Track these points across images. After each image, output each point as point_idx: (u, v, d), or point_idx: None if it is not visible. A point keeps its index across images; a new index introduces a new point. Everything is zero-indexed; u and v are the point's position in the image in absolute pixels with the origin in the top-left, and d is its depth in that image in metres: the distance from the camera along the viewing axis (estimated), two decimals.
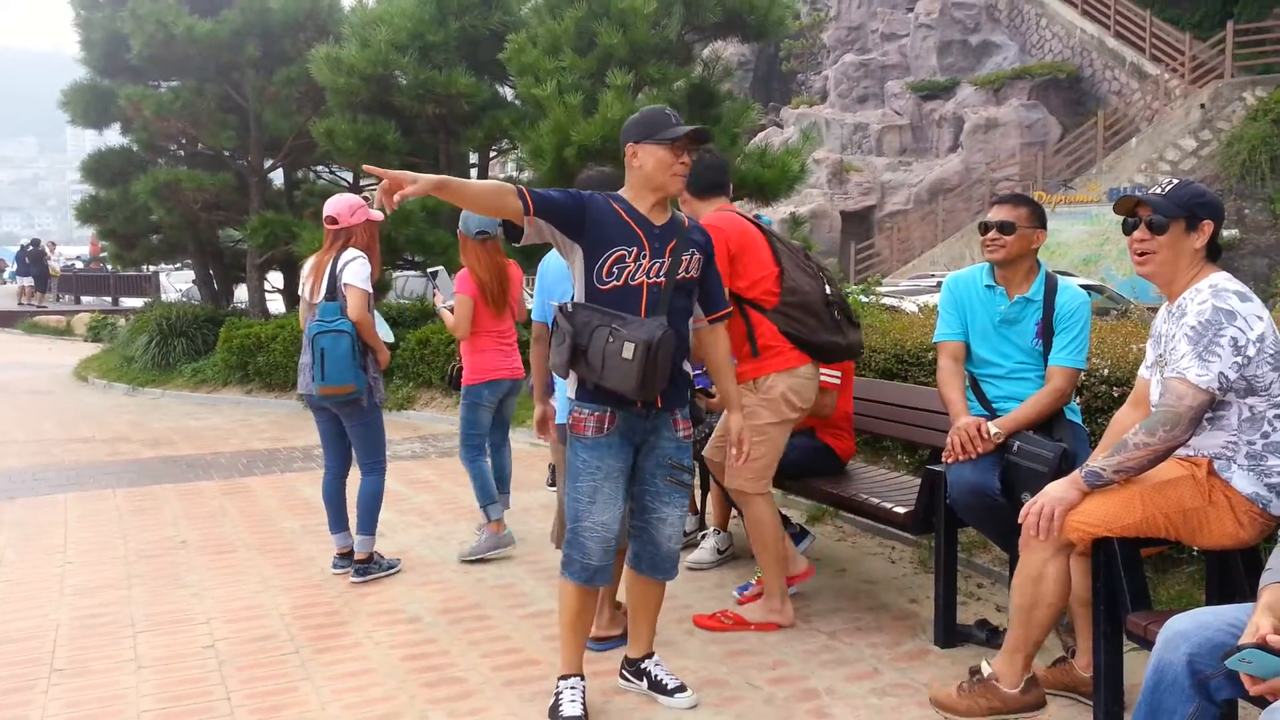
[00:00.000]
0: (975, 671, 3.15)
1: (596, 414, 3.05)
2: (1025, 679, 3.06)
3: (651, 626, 3.39)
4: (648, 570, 3.26)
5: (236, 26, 11.31)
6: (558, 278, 3.80)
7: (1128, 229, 2.91)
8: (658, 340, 2.89)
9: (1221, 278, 2.77)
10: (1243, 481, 2.74)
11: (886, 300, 8.34)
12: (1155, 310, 3.40)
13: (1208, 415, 2.75)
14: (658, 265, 3.05)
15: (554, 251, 4.10)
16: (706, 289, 3.24)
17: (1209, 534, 2.78)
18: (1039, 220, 3.65)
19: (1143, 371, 3.06)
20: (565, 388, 3.22)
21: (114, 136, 14.14)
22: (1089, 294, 3.92)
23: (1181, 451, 2.80)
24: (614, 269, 3.01)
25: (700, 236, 3.21)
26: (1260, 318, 2.69)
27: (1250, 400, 2.72)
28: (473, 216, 4.83)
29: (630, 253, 3.02)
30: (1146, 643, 2.55)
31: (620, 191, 3.16)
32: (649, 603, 3.35)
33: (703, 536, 4.90)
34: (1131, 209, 2.90)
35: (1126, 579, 2.77)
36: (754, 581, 4.27)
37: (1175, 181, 2.91)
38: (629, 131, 3.12)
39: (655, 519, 3.19)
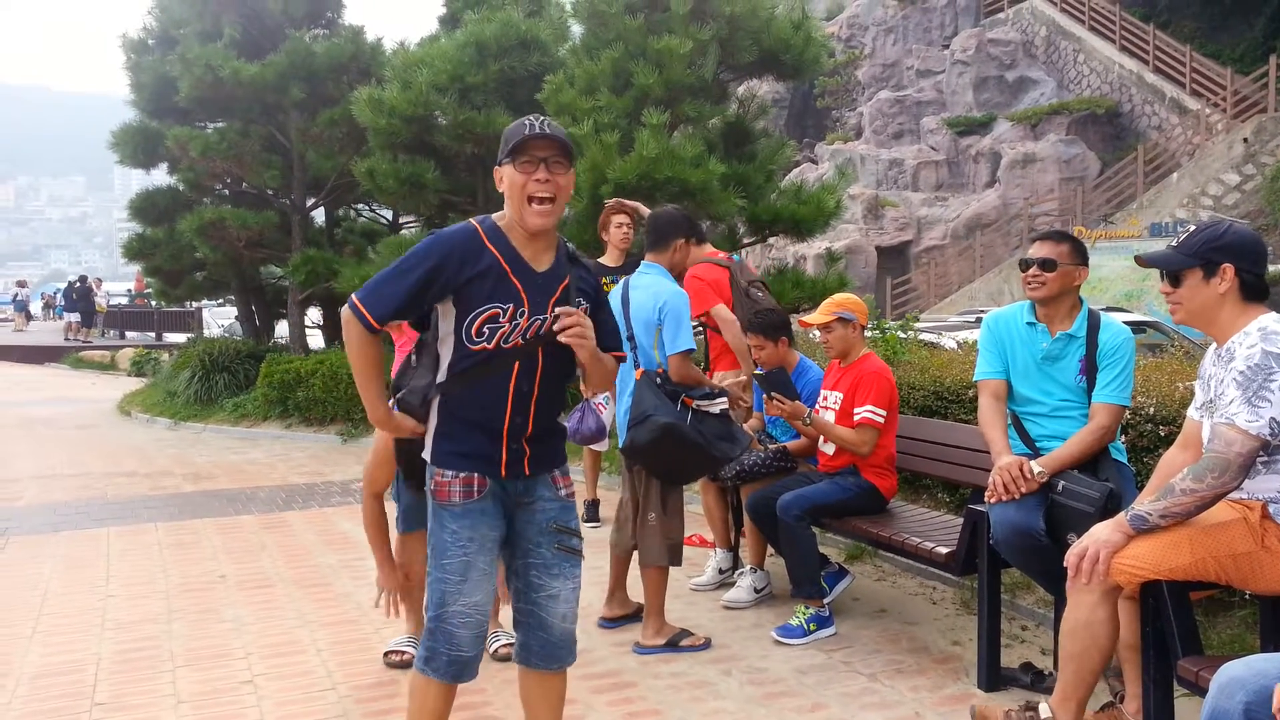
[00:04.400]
0: (1030, 708, 3.06)
1: (463, 475, 2.59)
2: None
3: None
4: (539, 661, 2.70)
5: (282, 69, 11.57)
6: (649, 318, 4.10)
7: (1161, 278, 2.92)
8: None
9: (1271, 319, 2.72)
10: None
11: (925, 336, 8.27)
12: (1200, 345, 3.34)
13: (1263, 459, 2.69)
14: (537, 323, 2.59)
15: (643, 277, 4.18)
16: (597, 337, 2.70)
17: (1262, 579, 2.70)
18: (1080, 257, 3.62)
19: (1191, 413, 3.00)
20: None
21: (161, 176, 14.51)
22: (1143, 330, 3.90)
23: (1234, 494, 2.74)
24: (484, 328, 2.56)
25: (589, 278, 2.72)
26: None
27: None
28: None
29: (505, 310, 2.55)
30: (1198, 689, 2.49)
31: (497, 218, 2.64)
32: (550, 699, 2.76)
33: (739, 575, 4.86)
34: (1146, 266, 2.89)
35: (1176, 623, 2.70)
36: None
37: (1190, 229, 2.87)
38: (499, 156, 2.62)
39: (545, 597, 2.67)
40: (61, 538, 6.26)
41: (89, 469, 8.92)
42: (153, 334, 26.38)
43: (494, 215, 2.64)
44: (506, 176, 2.57)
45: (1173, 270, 2.81)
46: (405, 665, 3.88)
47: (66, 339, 26.29)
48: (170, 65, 11.93)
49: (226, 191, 13.97)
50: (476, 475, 2.60)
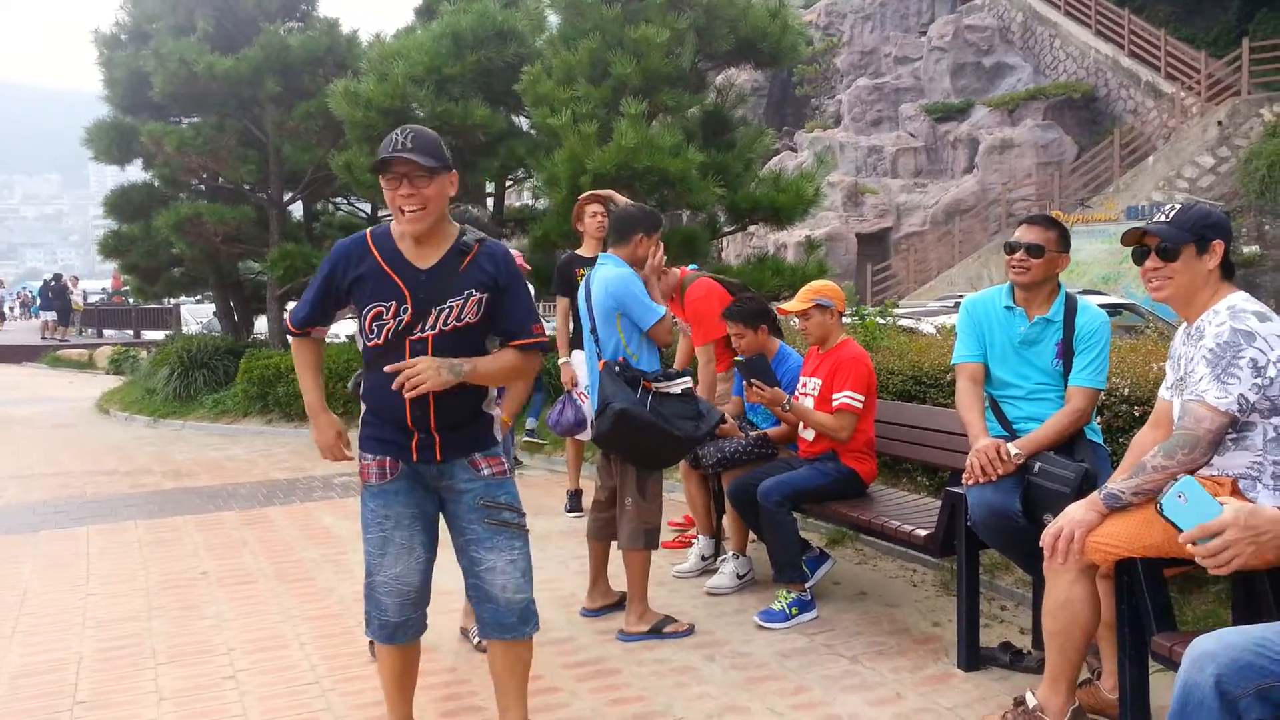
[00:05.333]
0: (1020, 702, 3.09)
1: (378, 459, 2.83)
2: (1071, 709, 3.01)
3: (521, 697, 2.97)
4: (493, 632, 2.89)
5: (257, 63, 11.48)
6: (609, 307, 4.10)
7: (1138, 258, 2.90)
8: None
9: (1239, 298, 2.75)
10: (1268, 501, 2.70)
11: (904, 322, 8.31)
12: (1175, 326, 3.38)
13: (1231, 435, 2.73)
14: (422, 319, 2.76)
15: (604, 270, 4.17)
16: (500, 325, 2.88)
17: None
18: (1066, 245, 3.65)
19: (1163, 392, 3.04)
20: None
21: (136, 172, 14.36)
22: (1119, 313, 3.93)
23: (1205, 471, 2.77)
24: (373, 326, 2.77)
25: (489, 267, 2.83)
26: None
27: (1275, 420, 2.68)
28: None
29: (388, 308, 2.75)
30: (1172, 664, 2.52)
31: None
32: (514, 668, 2.94)
33: (721, 561, 4.89)
34: (1138, 240, 2.89)
35: (1151, 600, 2.74)
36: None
37: (1179, 205, 2.88)
38: None
39: (484, 570, 2.85)
40: (41, 537, 6.22)
41: (68, 468, 8.85)
42: (130, 331, 26.18)
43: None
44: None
45: (1172, 244, 2.81)
46: None
47: (43, 338, 26.07)
48: (144, 60, 11.82)
49: (203, 187, 13.86)
50: (389, 459, 2.83)
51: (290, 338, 2.98)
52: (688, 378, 4.15)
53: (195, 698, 3.64)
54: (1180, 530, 2.16)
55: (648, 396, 3.98)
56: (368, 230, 2.86)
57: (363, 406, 2.90)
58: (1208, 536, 2.13)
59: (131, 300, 24.03)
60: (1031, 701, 3.04)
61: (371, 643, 3.93)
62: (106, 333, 27.23)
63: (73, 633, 4.39)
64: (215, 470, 8.54)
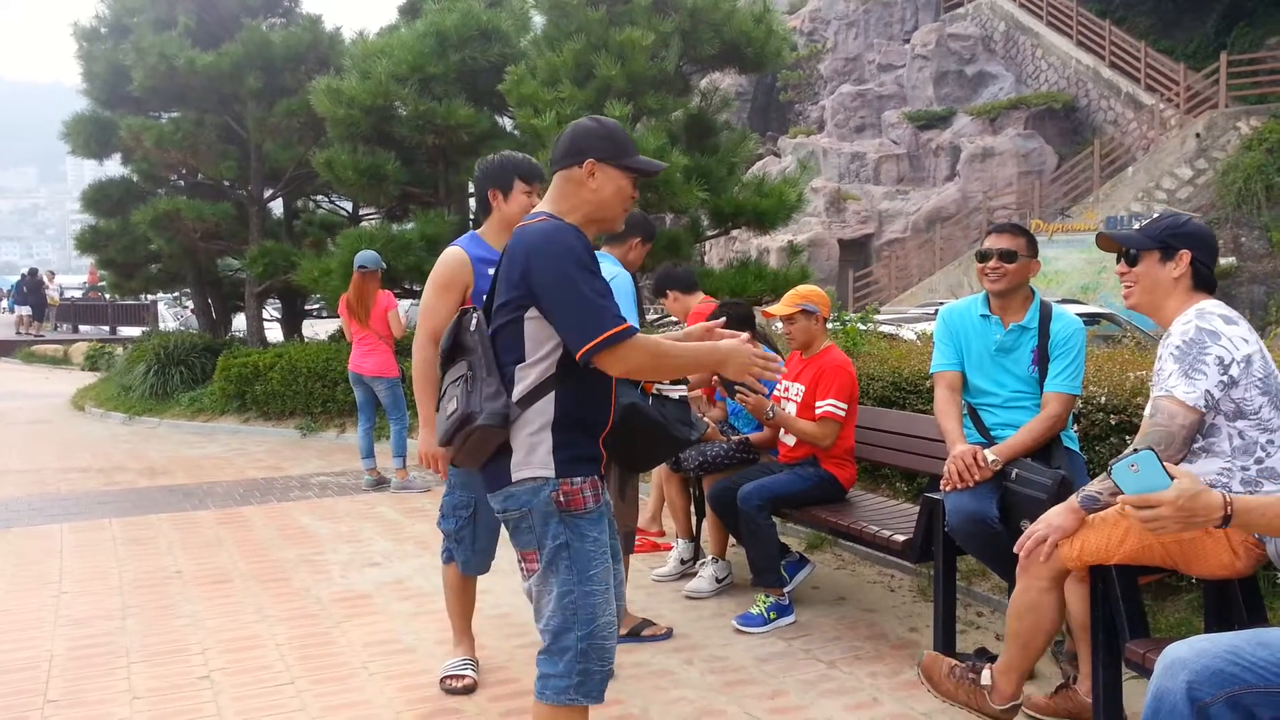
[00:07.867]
0: (974, 669, 3.12)
1: (590, 479, 2.49)
2: (1013, 704, 3.05)
3: None
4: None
5: (238, 59, 11.41)
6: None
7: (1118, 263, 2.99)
8: None
9: (1209, 303, 2.82)
10: None
11: (885, 328, 8.35)
12: (1153, 336, 3.43)
13: (1199, 444, 2.77)
14: None
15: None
16: None
17: (1204, 564, 2.77)
18: (1034, 249, 3.70)
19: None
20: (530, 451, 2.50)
21: (114, 167, 14.25)
22: (1097, 322, 3.97)
23: None
24: None
25: None
26: (1246, 340, 2.72)
27: (1239, 424, 2.73)
28: (365, 255, 7.27)
29: None
30: (1145, 670, 2.54)
31: (553, 210, 2.53)
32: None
33: (700, 565, 4.89)
34: (1111, 246, 2.97)
35: (1125, 607, 2.76)
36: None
37: (1156, 215, 2.95)
38: (591, 145, 2.51)
39: (616, 582, 2.67)
40: (13, 534, 6.15)
41: (42, 464, 8.76)
42: (106, 328, 25.93)
43: (551, 214, 2.51)
44: (612, 180, 2.51)
45: (1132, 250, 2.88)
46: (467, 691, 3.62)
47: (18, 333, 25.78)
48: (124, 54, 11.73)
49: (182, 183, 13.77)
50: (594, 477, 2.52)
51: (623, 343, 2.36)
52: (684, 386, 4.15)
53: (169, 697, 3.61)
54: (1123, 492, 2.25)
55: (648, 398, 3.98)
56: (563, 220, 2.48)
57: (530, 432, 2.46)
58: (1145, 505, 2.21)
59: (108, 296, 23.81)
60: (986, 679, 3.06)
61: (452, 688, 3.58)
62: (82, 328, 26.95)
63: (45, 631, 4.34)
64: (191, 468, 8.47)
